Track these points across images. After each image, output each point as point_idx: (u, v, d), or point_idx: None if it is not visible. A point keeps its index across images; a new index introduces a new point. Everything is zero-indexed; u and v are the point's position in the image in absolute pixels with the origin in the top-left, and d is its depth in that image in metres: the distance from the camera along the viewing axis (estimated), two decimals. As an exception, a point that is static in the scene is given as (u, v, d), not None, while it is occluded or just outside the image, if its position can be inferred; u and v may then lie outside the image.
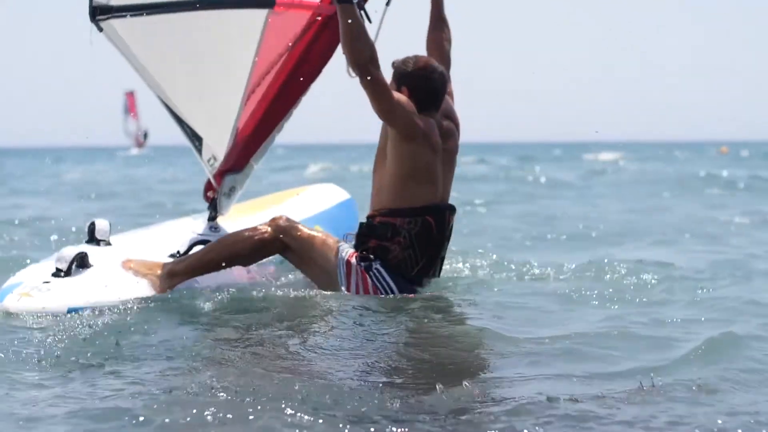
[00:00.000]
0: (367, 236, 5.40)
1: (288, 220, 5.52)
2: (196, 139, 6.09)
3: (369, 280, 5.34)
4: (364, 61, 5.16)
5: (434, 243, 5.39)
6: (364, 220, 5.51)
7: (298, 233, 5.45)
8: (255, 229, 5.47)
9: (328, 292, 5.41)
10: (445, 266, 5.83)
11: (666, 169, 32.41)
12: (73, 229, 9.35)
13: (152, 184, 23.22)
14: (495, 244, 8.96)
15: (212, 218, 6.17)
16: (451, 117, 5.61)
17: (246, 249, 5.41)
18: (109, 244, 5.65)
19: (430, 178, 5.38)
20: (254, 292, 5.45)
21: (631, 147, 70.91)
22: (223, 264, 5.43)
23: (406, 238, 5.33)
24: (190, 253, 5.59)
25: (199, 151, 6.14)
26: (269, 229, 5.44)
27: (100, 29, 5.40)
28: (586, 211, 14.15)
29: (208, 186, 6.30)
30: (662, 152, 62.03)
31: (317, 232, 5.57)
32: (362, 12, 5.51)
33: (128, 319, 4.84)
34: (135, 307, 5.06)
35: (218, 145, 6.10)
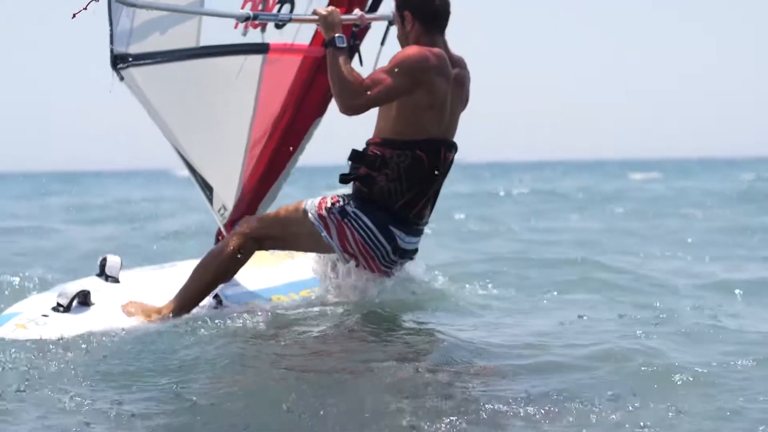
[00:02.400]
0: (358, 163, 5.42)
1: (247, 219, 5.62)
2: (207, 189, 6.22)
3: (346, 228, 5.39)
4: (352, 111, 5.29)
5: (424, 177, 5.37)
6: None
7: (263, 222, 5.54)
8: (224, 243, 5.54)
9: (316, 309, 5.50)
10: None
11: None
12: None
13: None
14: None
15: None
16: (466, 69, 5.55)
17: (225, 263, 5.47)
18: (117, 281, 5.73)
19: (440, 108, 5.34)
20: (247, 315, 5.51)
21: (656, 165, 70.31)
22: (210, 287, 5.51)
23: (393, 170, 5.33)
24: (178, 291, 5.58)
25: (210, 201, 6.26)
26: (236, 236, 5.51)
27: (122, 78, 5.55)
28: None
29: (220, 234, 6.41)
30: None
31: (279, 209, 5.62)
32: (357, 53, 5.70)
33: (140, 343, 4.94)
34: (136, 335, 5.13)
35: (227, 194, 6.25)
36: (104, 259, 5.79)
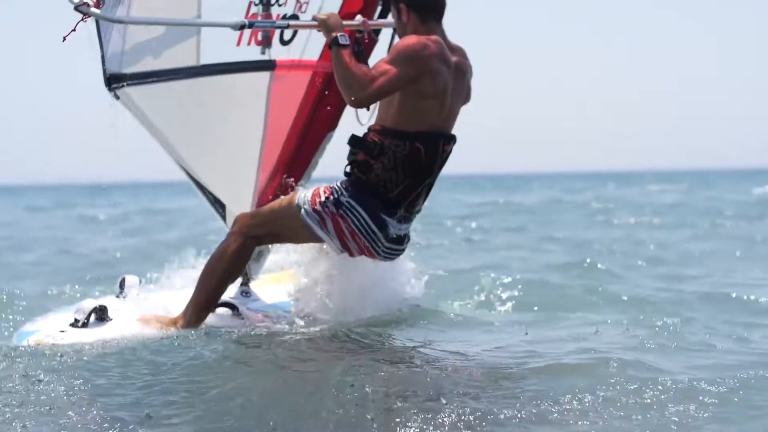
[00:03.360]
0: (357, 148, 5.46)
1: (242, 217, 5.67)
2: (219, 205, 6.27)
3: (341, 219, 5.43)
4: (360, 103, 5.34)
5: (420, 168, 5.41)
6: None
7: (259, 218, 5.61)
8: (224, 245, 5.60)
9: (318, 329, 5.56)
10: None
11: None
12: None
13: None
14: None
15: (244, 283, 6.27)
16: (467, 59, 5.58)
17: (228, 264, 5.55)
18: (137, 298, 5.85)
19: (442, 96, 5.37)
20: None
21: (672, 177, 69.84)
22: (218, 291, 5.59)
23: (390, 159, 5.37)
24: (188, 301, 5.65)
25: (224, 217, 6.31)
26: (234, 236, 5.58)
27: (117, 97, 5.58)
28: None
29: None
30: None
31: (273, 204, 5.70)
32: (363, 61, 5.72)
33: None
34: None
35: (241, 210, 6.28)
36: (123, 279, 5.92)
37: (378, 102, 5.43)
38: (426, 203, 5.59)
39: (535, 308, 7.46)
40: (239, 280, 6.34)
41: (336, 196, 5.45)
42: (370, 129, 5.49)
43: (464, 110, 5.56)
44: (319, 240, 5.57)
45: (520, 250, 12.98)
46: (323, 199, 5.47)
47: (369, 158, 5.40)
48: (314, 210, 5.46)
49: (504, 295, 7.85)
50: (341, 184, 5.49)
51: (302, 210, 5.48)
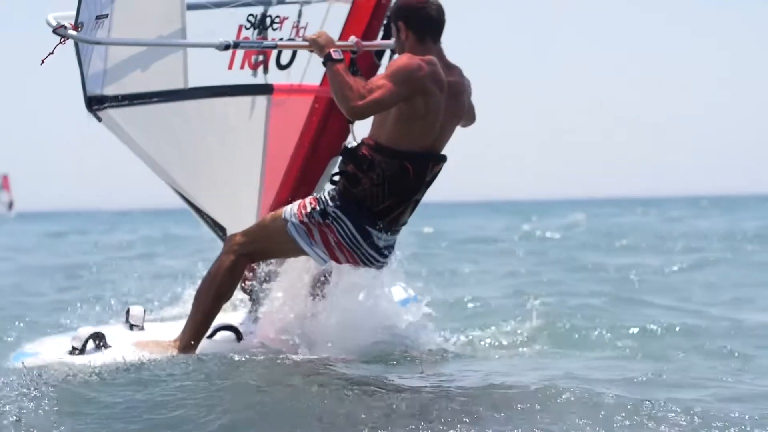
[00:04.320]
0: (348, 160, 5.50)
1: (233, 236, 5.71)
2: (219, 228, 6.26)
3: (327, 229, 5.47)
4: (356, 115, 5.37)
5: (407, 187, 5.47)
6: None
7: (249, 236, 5.65)
8: (216, 264, 5.64)
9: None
10: None
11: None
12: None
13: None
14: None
15: (254, 310, 6.25)
16: (463, 78, 5.61)
17: (221, 284, 5.58)
18: (142, 329, 5.89)
19: (434, 116, 5.41)
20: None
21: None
22: (213, 311, 5.62)
23: (378, 175, 5.42)
24: (185, 323, 5.69)
25: (224, 240, 6.33)
26: (226, 255, 5.63)
27: (99, 119, 5.54)
28: None
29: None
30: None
31: (261, 222, 5.75)
32: (355, 71, 5.59)
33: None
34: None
35: (243, 235, 6.31)
36: (128, 310, 5.99)
37: (372, 118, 5.48)
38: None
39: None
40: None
41: (322, 206, 5.51)
42: (363, 141, 5.54)
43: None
44: (303, 253, 5.60)
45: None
46: (309, 210, 5.52)
47: (358, 171, 5.45)
48: (301, 222, 5.51)
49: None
50: (328, 194, 5.55)
51: (288, 224, 5.53)
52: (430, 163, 5.50)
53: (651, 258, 16.08)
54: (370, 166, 5.43)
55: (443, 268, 13.95)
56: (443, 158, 5.58)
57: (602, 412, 4.33)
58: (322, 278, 5.86)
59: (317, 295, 5.88)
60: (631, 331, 7.63)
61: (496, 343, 6.94)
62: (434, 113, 5.42)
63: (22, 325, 7.44)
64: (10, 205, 70.89)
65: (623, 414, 4.28)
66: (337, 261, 5.56)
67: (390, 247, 5.64)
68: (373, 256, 5.55)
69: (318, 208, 5.50)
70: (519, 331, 7.48)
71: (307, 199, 5.59)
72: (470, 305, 9.42)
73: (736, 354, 6.72)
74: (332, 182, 5.59)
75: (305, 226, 5.51)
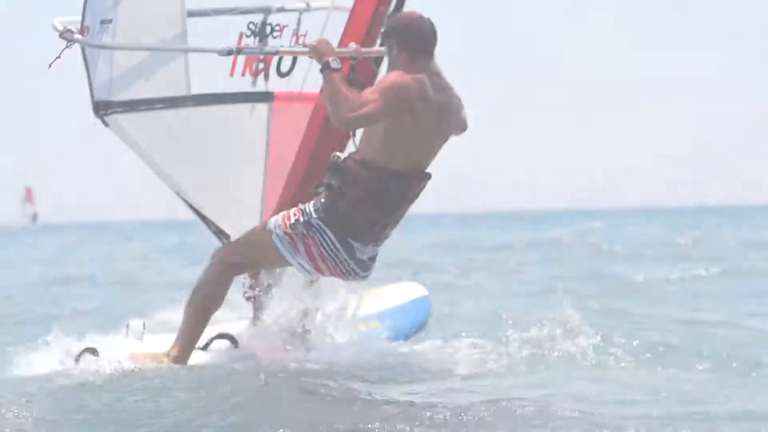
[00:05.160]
0: (335, 174, 5.50)
1: (222, 247, 5.79)
2: (223, 235, 6.24)
3: (311, 240, 5.47)
4: (347, 125, 5.40)
5: (390, 204, 5.48)
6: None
7: (236, 248, 5.71)
8: (205, 275, 5.67)
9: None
10: None
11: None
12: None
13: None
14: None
15: (256, 318, 6.23)
16: (453, 97, 5.59)
17: (209, 294, 5.63)
18: (141, 342, 5.85)
19: (421, 134, 5.43)
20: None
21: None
22: (203, 321, 5.64)
23: (362, 191, 5.42)
24: (177, 334, 5.72)
25: (229, 248, 6.34)
26: (214, 266, 5.66)
27: (106, 124, 5.63)
28: None
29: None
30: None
31: (248, 233, 5.75)
32: (354, 78, 5.61)
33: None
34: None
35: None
36: (128, 325, 5.99)
37: (361, 131, 5.48)
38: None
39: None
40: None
41: (306, 218, 5.50)
42: (350, 156, 5.53)
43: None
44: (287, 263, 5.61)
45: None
46: (293, 221, 5.52)
47: (343, 186, 5.45)
48: (285, 233, 5.52)
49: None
50: (312, 205, 5.53)
51: (273, 235, 5.54)
52: (414, 180, 5.51)
53: None
54: (355, 182, 5.43)
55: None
56: (428, 176, 5.59)
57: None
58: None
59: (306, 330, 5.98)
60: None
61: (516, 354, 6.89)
62: (420, 132, 5.43)
63: (18, 332, 7.45)
64: (35, 217, 73.37)
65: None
66: (321, 273, 5.58)
67: (372, 259, 5.64)
68: (354, 269, 5.56)
69: (302, 219, 5.50)
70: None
71: (291, 211, 5.59)
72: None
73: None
74: (316, 193, 5.56)
75: (289, 237, 5.51)
